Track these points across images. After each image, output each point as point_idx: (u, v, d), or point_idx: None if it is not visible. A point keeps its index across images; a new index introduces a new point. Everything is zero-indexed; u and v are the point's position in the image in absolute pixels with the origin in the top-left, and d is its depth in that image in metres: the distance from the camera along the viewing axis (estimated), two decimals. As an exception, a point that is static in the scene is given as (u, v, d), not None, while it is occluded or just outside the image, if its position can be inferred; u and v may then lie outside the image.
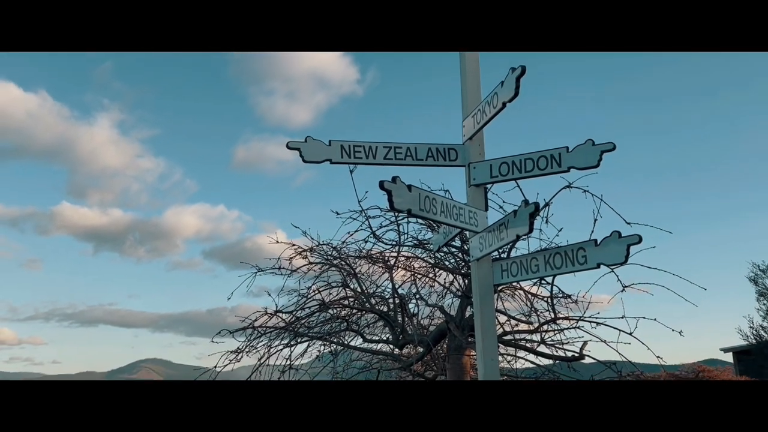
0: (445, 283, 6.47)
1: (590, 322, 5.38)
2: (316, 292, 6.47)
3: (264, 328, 6.20)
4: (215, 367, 5.86)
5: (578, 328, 5.54)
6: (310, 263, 6.65)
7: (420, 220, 6.21)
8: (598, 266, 3.35)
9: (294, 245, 6.66)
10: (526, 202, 3.41)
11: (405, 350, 7.18)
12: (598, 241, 3.34)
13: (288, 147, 3.92)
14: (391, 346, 7.46)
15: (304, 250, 6.63)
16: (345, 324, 6.58)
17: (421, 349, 6.65)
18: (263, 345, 6.22)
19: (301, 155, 3.91)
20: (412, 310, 6.39)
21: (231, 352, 6.00)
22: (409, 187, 3.35)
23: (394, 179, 3.25)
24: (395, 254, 6.37)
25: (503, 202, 5.25)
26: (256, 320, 6.27)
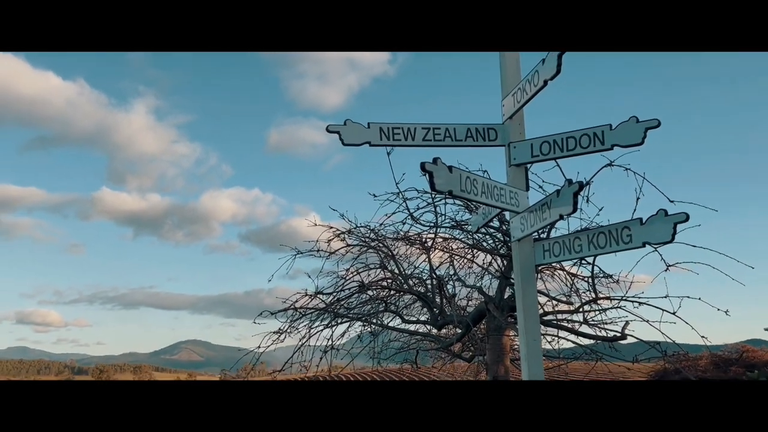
0: (483, 263, 6.47)
1: (633, 301, 5.31)
2: (355, 273, 6.53)
3: (304, 309, 6.29)
4: (258, 347, 5.97)
5: (620, 308, 5.48)
6: (348, 245, 6.71)
7: (457, 201, 6.20)
8: (644, 245, 3.30)
9: (332, 228, 6.72)
10: (569, 181, 3.37)
11: (443, 331, 7.22)
12: (644, 220, 3.28)
13: (328, 130, 3.94)
14: (429, 327, 7.51)
15: (342, 233, 6.68)
16: (383, 305, 6.64)
17: (458, 330, 6.68)
18: (304, 326, 6.32)
19: (340, 138, 3.92)
20: (450, 291, 6.40)
21: (273, 332, 6.10)
22: (450, 168, 3.34)
23: (435, 160, 3.25)
24: (432, 235, 6.38)
25: (543, 181, 5.21)
26: (296, 301, 6.36)
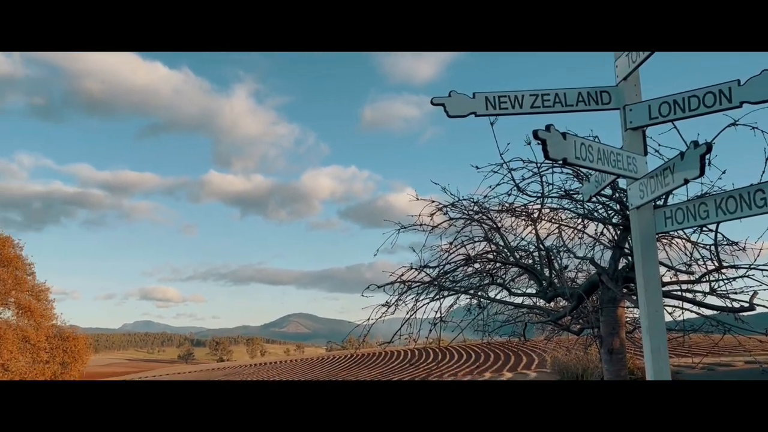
0: (595, 234, 6.23)
1: (763, 269, 4.94)
2: (460, 246, 6.50)
3: (410, 283, 6.35)
4: (368, 319, 6.10)
5: (748, 277, 5.11)
6: (451, 219, 6.68)
7: (566, 170, 6.00)
8: (781, 209, 3.04)
9: (433, 201, 6.71)
10: (695, 143, 3.14)
11: (551, 303, 7.07)
12: (781, 182, 3.03)
13: (432, 103, 3.91)
14: (535, 300, 7.36)
15: (444, 206, 6.65)
16: (490, 278, 6.57)
17: (565, 303, 6.50)
18: (411, 299, 6.38)
19: (445, 110, 3.89)
20: (559, 263, 6.23)
21: (381, 305, 6.21)
22: (564, 134, 3.22)
23: (548, 127, 3.14)
24: (539, 206, 6.22)
25: (659, 145, 4.92)
26: (402, 275, 6.43)
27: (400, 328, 6.45)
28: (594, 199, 5.78)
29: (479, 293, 6.54)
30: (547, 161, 5.78)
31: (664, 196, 4.83)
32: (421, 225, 6.63)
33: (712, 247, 5.23)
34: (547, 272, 6.06)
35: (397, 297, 6.29)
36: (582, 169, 5.72)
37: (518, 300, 7.17)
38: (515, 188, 5.89)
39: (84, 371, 32.58)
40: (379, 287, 6.36)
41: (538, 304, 7.45)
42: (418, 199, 6.68)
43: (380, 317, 6.15)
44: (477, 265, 6.47)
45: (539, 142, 3.09)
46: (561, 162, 3.29)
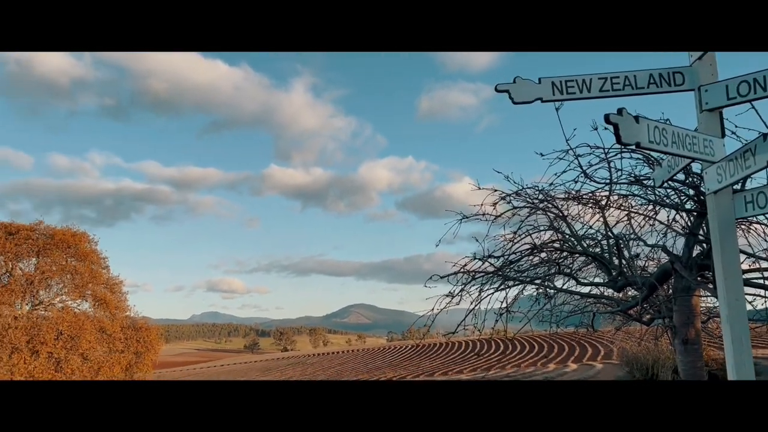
0: (667, 221, 6.01)
1: None
2: (525, 235, 6.40)
3: (475, 273, 6.29)
4: (432, 310, 6.09)
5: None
6: (515, 208, 6.57)
7: (635, 155, 5.80)
8: None
9: (496, 190, 6.61)
10: (780, 122, 2.98)
11: (620, 293, 6.87)
12: None
13: (496, 90, 3.84)
14: (602, 289, 7.18)
15: (508, 195, 6.55)
16: (556, 267, 6.44)
17: (634, 292, 6.30)
18: (475, 289, 6.33)
19: (510, 97, 3.81)
20: (629, 252, 6.04)
21: (445, 295, 6.18)
22: (637, 118, 3.11)
23: (620, 111, 3.03)
24: (607, 193, 6.04)
25: (736, 127, 4.69)
26: (465, 265, 6.38)
27: (464, 319, 6.41)
28: (666, 184, 5.57)
29: (545, 283, 6.42)
30: (615, 146, 5.62)
31: (742, 180, 4.62)
32: (483, 215, 6.55)
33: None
34: (616, 261, 5.89)
35: (461, 287, 6.25)
36: (653, 154, 5.52)
37: (585, 290, 7.02)
38: (582, 175, 5.73)
39: (156, 360, 33.96)
40: (441, 278, 6.33)
41: (605, 293, 7.27)
42: (479, 189, 6.60)
43: (444, 308, 6.13)
44: (543, 255, 6.36)
45: (610, 126, 2.99)
46: (634, 146, 3.18)
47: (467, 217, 6.59)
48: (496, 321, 6.23)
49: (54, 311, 29.15)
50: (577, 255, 6.48)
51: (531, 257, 6.40)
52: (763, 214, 4.59)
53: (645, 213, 6.26)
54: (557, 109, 4.82)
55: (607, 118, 2.98)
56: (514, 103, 3.82)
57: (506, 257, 6.34)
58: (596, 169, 5.79)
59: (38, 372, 27.13)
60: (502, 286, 6.26)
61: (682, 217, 5.88)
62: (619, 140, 3.03)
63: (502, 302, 6.21)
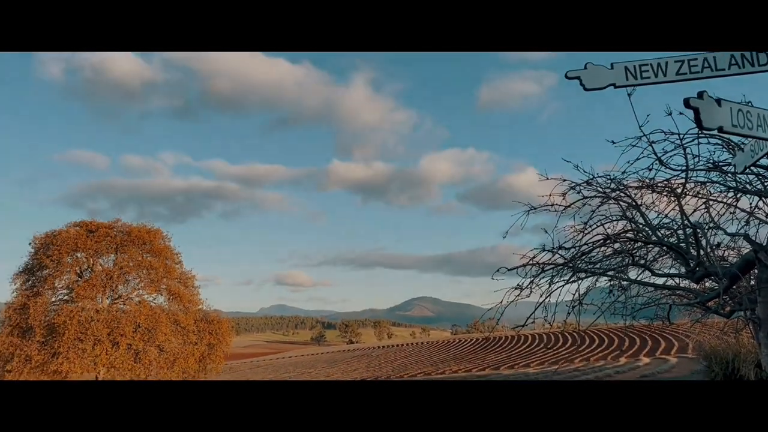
0: (749, 208, 5.72)
1: None
2: (596, 226, 6.23)
3: (544, 265, 6.18)
4: (500, 302, 6.02)
5: None
6: (585, 198, 6.41)
7: (713, 140, 5.55)
8: None
9: (565, 180, 6.46)
10: None
11: (699, 284, 6.60)
12: None
13: (567, 77, 3.76)
14: (677, 280, 6.90)
15: (578, 184, 6.39)
16: (630, 258, 6.25)
17: (713, 283, 6.04)
18: (545, 281, 6.21)
19: (581, 83, 3.72)
20: (708, 241, 5.79)
21: (514, 288, 6.10)
22: (719, 101, 2.97)
23: (701, 94, 2.91)
24: (683, 181, 5.80)
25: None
26: (534, 257, 6.27)
27: (533, 312, 6.31)
28: (748, 170, 5.30)
29: (619, 274, 6.24)
30: (692, 132, 5.39)
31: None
32: (552, 206, 6.42)
33: None
34: (694, 251, 5.65)
35: (530, 280, 6.15)
36: (733, 138, 5.26)
37: (661, 281, 6.77)
38: (657, 162, 5.52)
39: (228, 352, 35.10)
40: (509, 270, 6.25)
41: (682, 285, 7.00)
42: (547, 179, 6.47)
43: (513, 300, 6.04)
44: (616, 246, 6.17)
45: (692, 110, 2.86)
46: (716, 131, 3.04)
47: (535, 208, 6.47)
48: (568, 314, 6.10)
49: (132, 305, 30.56)
50: (651, 245, 6.26)
51: (603, 248, 6.23)
52: None
53: (725, 200, 5.98)
54: (630, 95, 4.66)
55: (686, 103, 2.86)
56: (586, 89, 3.72)
57: (577, 248, 6.19)
58: (671, 156, 5.57)
59: (118, 362, 28.55)
60: (573, 278, 6.12)
61: (765, 204, 5.59)
62: (699, 125, 2.91)
63: (573, 294, 6.07)
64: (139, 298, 31.35)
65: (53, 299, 30.50)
